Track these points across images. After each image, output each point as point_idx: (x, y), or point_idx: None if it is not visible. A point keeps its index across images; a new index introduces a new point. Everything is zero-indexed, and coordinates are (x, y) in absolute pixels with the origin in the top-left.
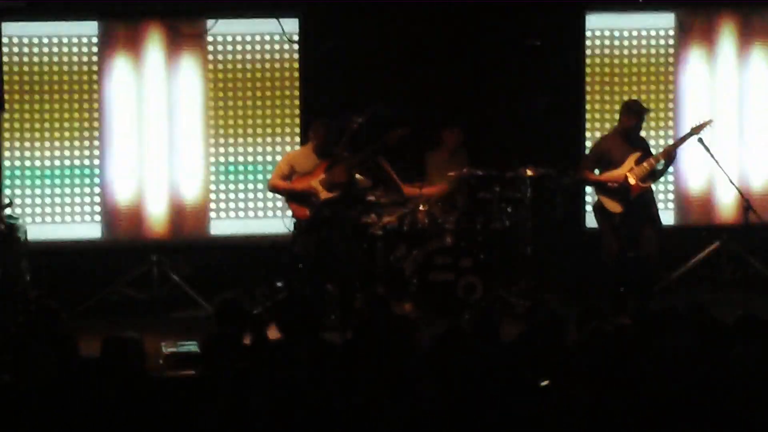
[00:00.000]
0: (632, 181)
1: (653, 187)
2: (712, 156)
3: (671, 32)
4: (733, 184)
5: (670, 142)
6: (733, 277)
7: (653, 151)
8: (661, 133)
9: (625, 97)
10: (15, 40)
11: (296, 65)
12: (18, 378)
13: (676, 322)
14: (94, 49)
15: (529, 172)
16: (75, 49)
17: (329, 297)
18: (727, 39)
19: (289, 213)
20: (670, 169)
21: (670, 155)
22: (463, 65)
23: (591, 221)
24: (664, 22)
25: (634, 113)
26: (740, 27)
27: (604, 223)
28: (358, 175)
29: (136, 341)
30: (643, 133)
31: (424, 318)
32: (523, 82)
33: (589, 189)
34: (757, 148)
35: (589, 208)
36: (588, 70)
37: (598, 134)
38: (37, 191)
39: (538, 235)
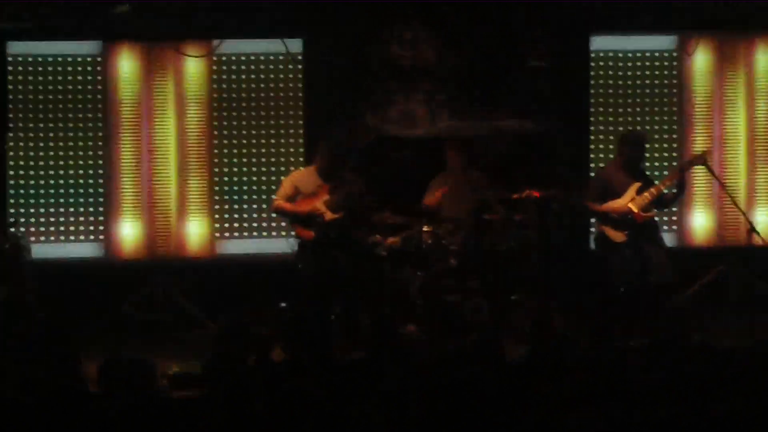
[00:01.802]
0: (635, 210)
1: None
2: (716, 178)
3: (675, 54)
4: (738, 206)
5: (675, 164)
6: (738, 299)
7: (652, 175)
8: (665, 155)
9: (630, 119)
10: (20, 60)
11: (301, 85)
12: (22, 397)
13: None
14: (99, 69)
15: (534, 194)
16: (80, 69)
17: (334, 318)
18: (730, 60)
19: (294, 233)
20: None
21: (675, 182)
22: (468, 87)
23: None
24: (668, 44)
25: (631, 144)
26: (744, 49)
27: (608, 252)
28: (362, 196)
29: (137, 363)
30: (647, 156)
31: (430, 339)
32: (529, 104)
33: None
34: (762, 170)
35: (593, 229)
36: (593, 91)
37: (602, 155)
38: (42, 210)
39: (544, 257)
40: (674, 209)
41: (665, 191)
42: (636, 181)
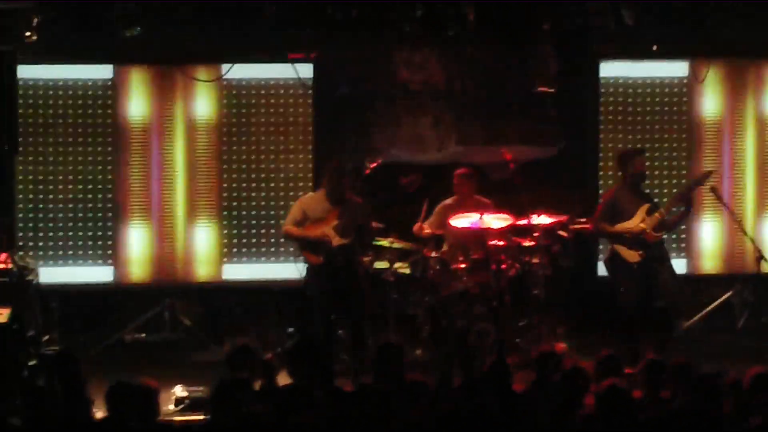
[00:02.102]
0: (648, 230)
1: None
2: (725, 205)
3: (685, 80)
4: (746, 233)
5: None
6: (746, 325)
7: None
8: (674, 181)
9: (639, 145)
10: (32, 83)
11: (310, 110)
12: (28, 422)
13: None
14: (110, 93)
15: (542, 219)
16: (90, 93)
17: (341, 343)
18: (740, 87)
19: (302, 258)
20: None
21: (681, 203)
22: (478, 111)
23: (603, 269)
24: (678, 70)
25: (629, 159)
26: (754, 76)
27: (620, 273)
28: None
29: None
30: (656, 182)
31: (436, 365)
32: (537, 129)
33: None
34: None
35: (601, 255)
36: (602, 117)
37: (611, 182)
38: (51, 233)
39: (551, 282)
40: (683, 236)
41: (674, 210)
42: (641, 199)
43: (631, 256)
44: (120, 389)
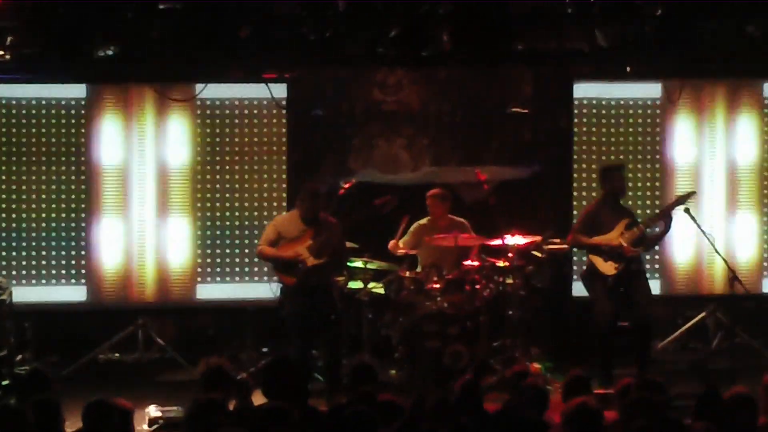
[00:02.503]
0: (625, 244)
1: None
2: (698, 226)
3: (659, 102)
4: (720, 254)
5: (657, 209)
6: (719, 347)
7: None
8: (648, 202)
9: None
10: (4, 102)
11: (284, 130)
12: None
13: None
14: (83, 112)
15: (516, 240)
16: (63, 112)
17: (315, 363)
18: (713, 109)
19: (276, 278)
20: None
21: (661, 222)
22: (452, 132)
23: (578, 289)
24: (651, 91)
25: (609, 174)
26: (727, 97)
27: (596, 286)
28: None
29: (120, 408)
30: (630, 201)
31: (411, 386)
32: (511, 150)
33: (574, 257)
34: (743, 218)
35: (575, 276)
36: (576, 138)
37: (585, 202)
38: (23, 253)
39: (525, 303)
40: (656, 256)
41: (652, 228)
42: (621, 214)
43: (607, 268)
44: (98, 407)
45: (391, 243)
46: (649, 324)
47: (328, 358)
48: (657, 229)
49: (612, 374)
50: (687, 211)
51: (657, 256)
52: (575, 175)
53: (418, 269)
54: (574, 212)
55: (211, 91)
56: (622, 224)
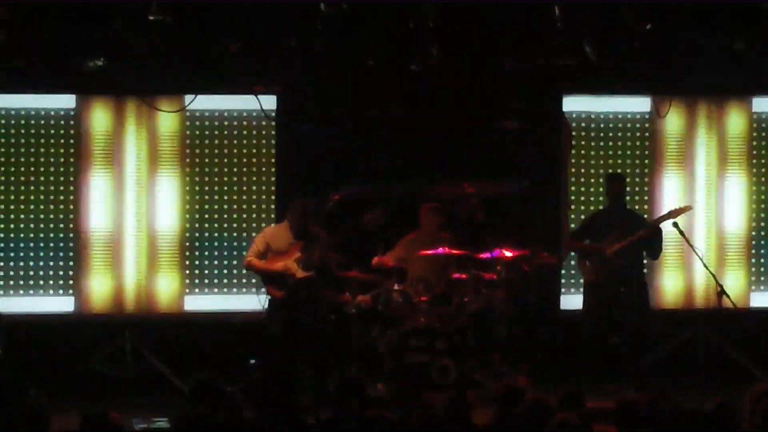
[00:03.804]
0: (610, 253)
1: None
2: (687, 241)
3: (647, 116)
4: (708, 269)
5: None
6: (707, 362)
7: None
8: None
9: (602, 180)
10: None
11: (273, 142)
12: None
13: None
14: (72, 123)
15: (504, 254)
16: (53, 123)
17: (303, 376)
18: (702, 123)
19: (264, 290)
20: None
21: (650, 232)
22: (441, 146)
23: (566, 303)
24: (640, 105)
25: (606, 182)
26: (714, 112)
27: (585, 292)
28: (332, 254)
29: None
30: None
31: (398, 399)
32: (500, 164)
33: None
34: (732, 232)
35: (563, 290)
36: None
37: (573, 216)
38: (12, 263)
39: (513, 317)
40: (644, 270)
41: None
42: (618, 223)
43: (589, 274)
44: (94, 420)
45: (375, 259)
46: (639, 337)
47: (315, 371)
48: (649, 238)
49: (605, 387)
50: (676, 225)
51: (645, 270)
52: (564, 189)
53: (406, 283)
54: (563, 225)
55: (201, 103)
56: (614, 234)
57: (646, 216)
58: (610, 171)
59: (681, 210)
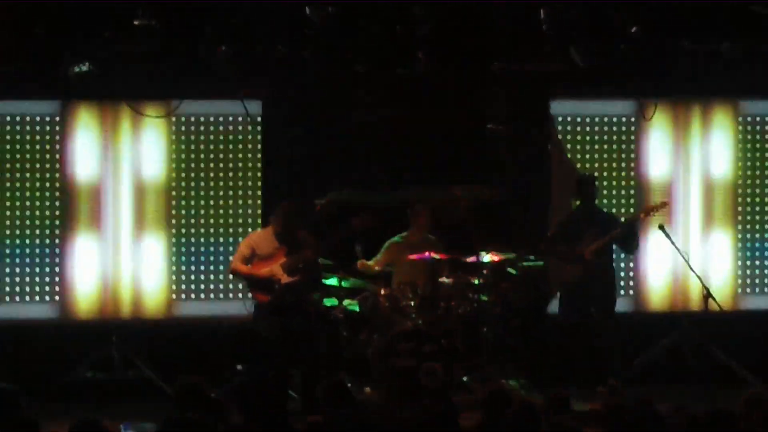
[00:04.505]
0: (586, 253)
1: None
2: (673, 243)
3: (633, 119)
4: (694, 271)
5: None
6: (693, 364)
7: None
8: (623, 219)
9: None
10: None
11: (259, 147)
12: None
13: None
14: (57, 128)
15: (491, 257)
16: (38, 128)
17: (291, 381)
18: (688, 127)
19: (251, 296)
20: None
21: (626, 230)
22: (429, 151)
23: (553, 307)
24: (625, 108)
25: (579, 184)
26: (701, 115)
27: (563, 293)
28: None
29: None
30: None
31: (386, 403)
32: (488, 168)
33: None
34: (718, 234)
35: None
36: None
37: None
38: None
39: (500, 320)
40: (630, 273)
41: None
42: (593, 223)
43: (566, 275)
44: (85, 427)
45: (359, 263)
46: (609, 335)
47: (303, 376)
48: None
49: (593, 389)
50: (661, 227)
51: (631, 273)
52: (552, 192)
53: (393, 286)
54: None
55: (186, 108)
56: (589, 235)
57: (615, 212)
58: (583, 173)
59: (655, 207)
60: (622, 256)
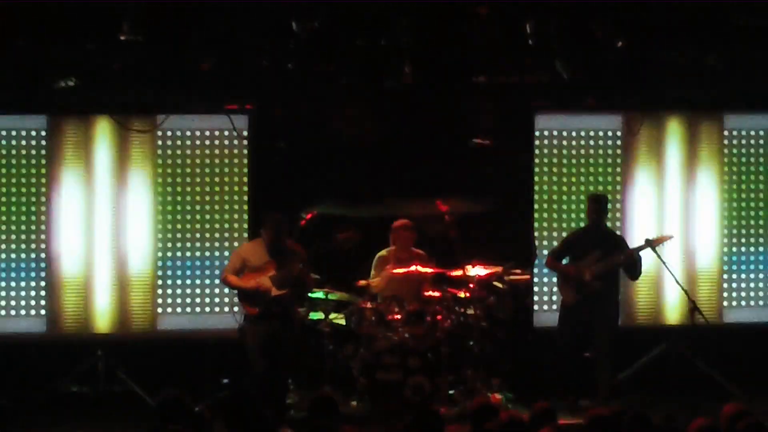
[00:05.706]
0: (587, 277)
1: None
2: (659, 257)
3: (619, 133)
4: (680, 285)
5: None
6: (679, 378)
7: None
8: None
9: (574, 197)
10: None
11: (245, 161)
12: None
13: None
14: (43, 143)
15: (477, 271)
16: (24, 143)
17: (277, 394)
18: (673, 140)
19: (240, 307)
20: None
21: (629, 259)
22: (414, 164)
23: (539, 320)
24: (611, 123)
25: (588, 203)
26: (686, 129)
27: (561, 313)
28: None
29: None
30: None
31: (372, 418)
32: (473, 182)
33: (535, 288)
34: (703, 248)
35: (537, 307)
36: (537, 169)
37: (546, 233)
38: None
39: (486, 334)
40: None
41: (619, 264)
42: (598, 244)
43: (567, 297)
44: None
45: (359, 283)
46: (609, 354)
47: (288, 389)
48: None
49: (578, 404)
50: (648, 242)
51: (620, 289)
52: (536, 206)
53: (379, 300)
54: (536, 243)
55: (173, 122)
56: (593, 256)
57: (619, 233)
58: (592, 191)
59: (661, 239)
60: None
